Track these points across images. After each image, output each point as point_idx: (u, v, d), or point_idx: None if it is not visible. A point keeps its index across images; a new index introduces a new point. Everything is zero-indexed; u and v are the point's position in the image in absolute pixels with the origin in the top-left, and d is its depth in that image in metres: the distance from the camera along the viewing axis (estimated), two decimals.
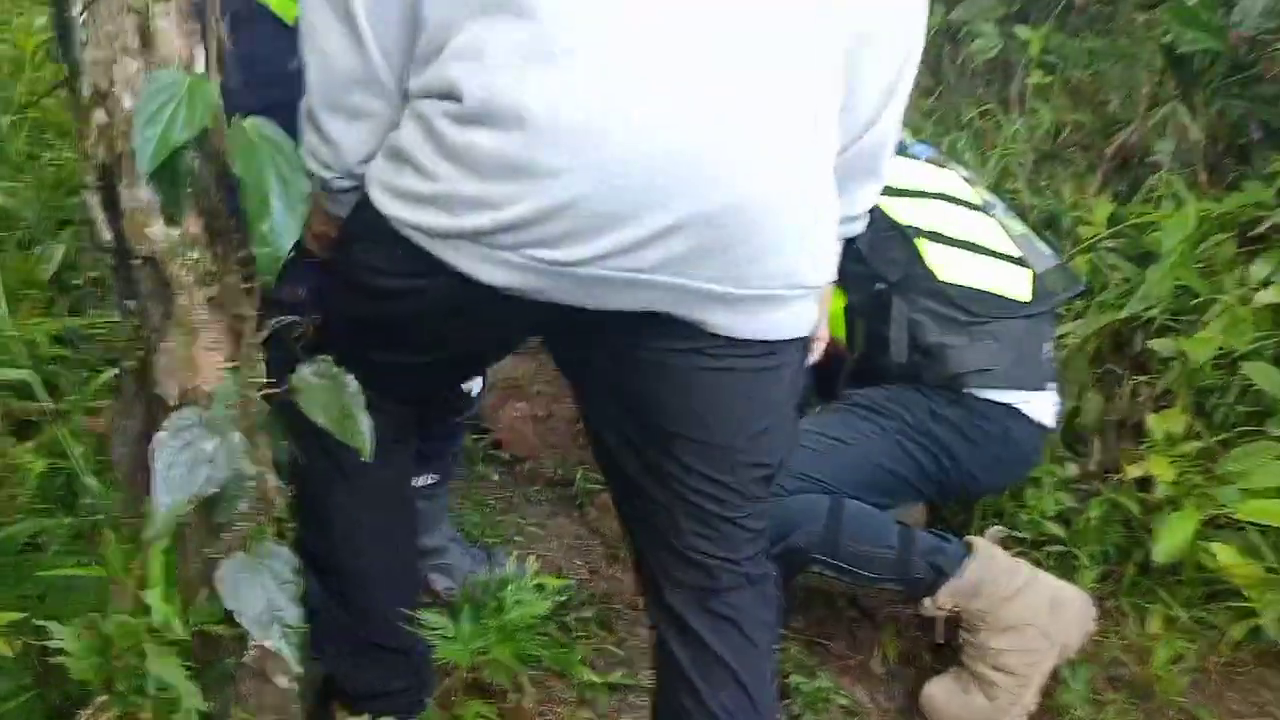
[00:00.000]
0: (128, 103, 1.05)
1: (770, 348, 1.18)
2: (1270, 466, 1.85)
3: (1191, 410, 2.12)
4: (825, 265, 1.20)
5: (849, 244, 1.81)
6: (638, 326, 1.13)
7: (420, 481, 1.86)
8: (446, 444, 1.92)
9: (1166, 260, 2.30)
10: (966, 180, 2.01)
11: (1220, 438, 2.04)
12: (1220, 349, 2.11)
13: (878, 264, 1.87)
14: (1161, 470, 1.98)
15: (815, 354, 1.43)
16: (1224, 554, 1.82)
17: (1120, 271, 2.44)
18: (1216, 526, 1.90)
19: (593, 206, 1.03)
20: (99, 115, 1.07)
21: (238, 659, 1.17)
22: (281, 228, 1.07)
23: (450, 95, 1.05)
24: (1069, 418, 2.21)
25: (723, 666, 1.24)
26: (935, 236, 1.87)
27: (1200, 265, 2.33)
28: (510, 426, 2.38)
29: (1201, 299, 2.25)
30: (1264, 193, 2.36)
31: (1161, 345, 2.20)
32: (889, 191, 1.88)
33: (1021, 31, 2.97)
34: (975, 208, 1.94)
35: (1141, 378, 2.24)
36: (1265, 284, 2.16)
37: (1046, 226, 2.63)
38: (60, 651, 1.11)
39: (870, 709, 1.78)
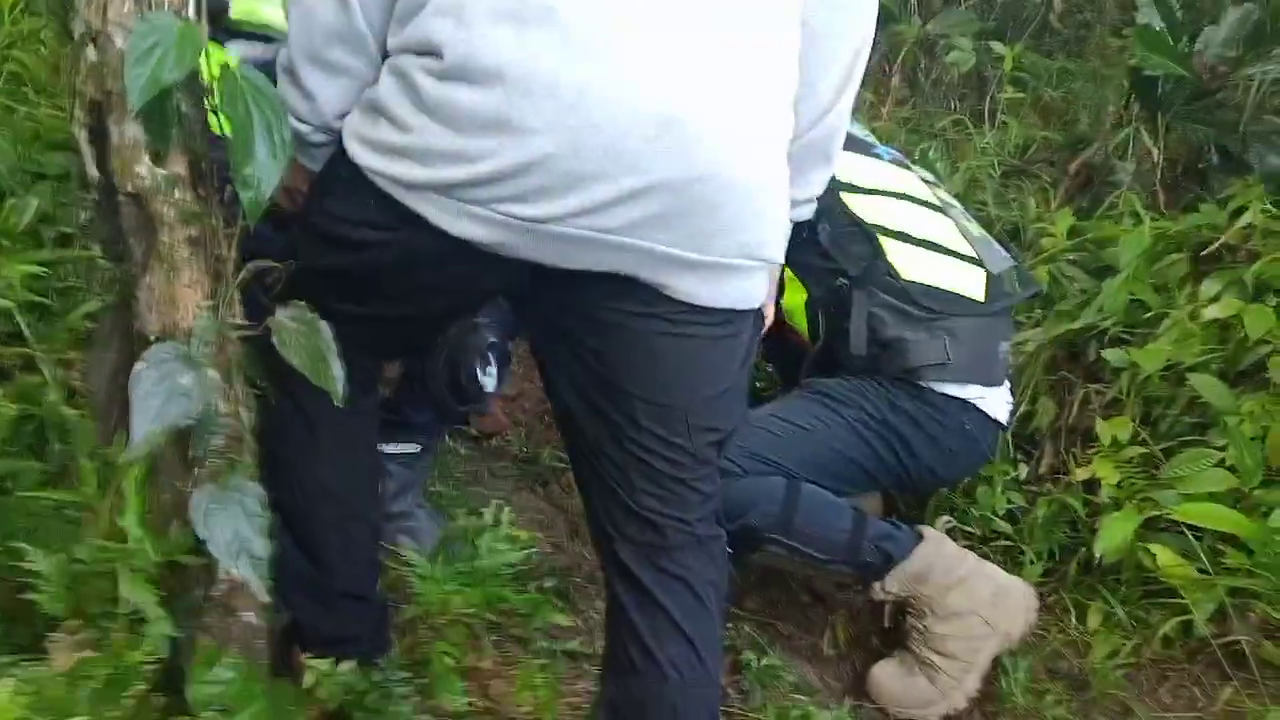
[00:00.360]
0: (119, 41, 1.08)
1: (727, 316, 1.23)
2: (1209, 473, 1.92)
3: (1139, 418, 2.19)
4: (780, 241, 1.25)
5: (812, 239, 1.90)
6: (602, 290, 1.17)
7: (403, 449, 1.90)
8: (439, 422, 1.95)
9: (1122, 274, 2.38)
10: (927, 182, 2.07)
11: (1164, 445, 2.11)
12: (1169, 361, 2.18)
13: (840, 259, 1.92)
14: (1107, 473, 2.04)
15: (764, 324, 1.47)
16: (1162, 555, 1.89)
17: (1078, 283, 2.51)
18: (1157, 529, 1.97)
19: (564, 165, 1.07)
20: (90, 52, 1.09)
21: (206, 591, 1.19)
22: (266, 172, 1.09)
23: (430, 51, 1.08)
24: (1022, 421, 2.28)
25: (670, 621, 1.28)
26: (897, 235, 1.92)
27: (1154, 281, 2.41)
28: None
29: (1153, 313, 2.33)
30: (1218, 215, 2.44)
31: (1114, 355, 2.27)
32: (853, 189, 1.94)
33: (997, 47, 3.05)
34: (935, 208, 1.99)
35: (1093, 386, 2.31)
36: (1214, 300, 2.24)
37: (1011, 238, 2.71)
38: (31, 582, 1.13)
39: (819, 688, 1.82)
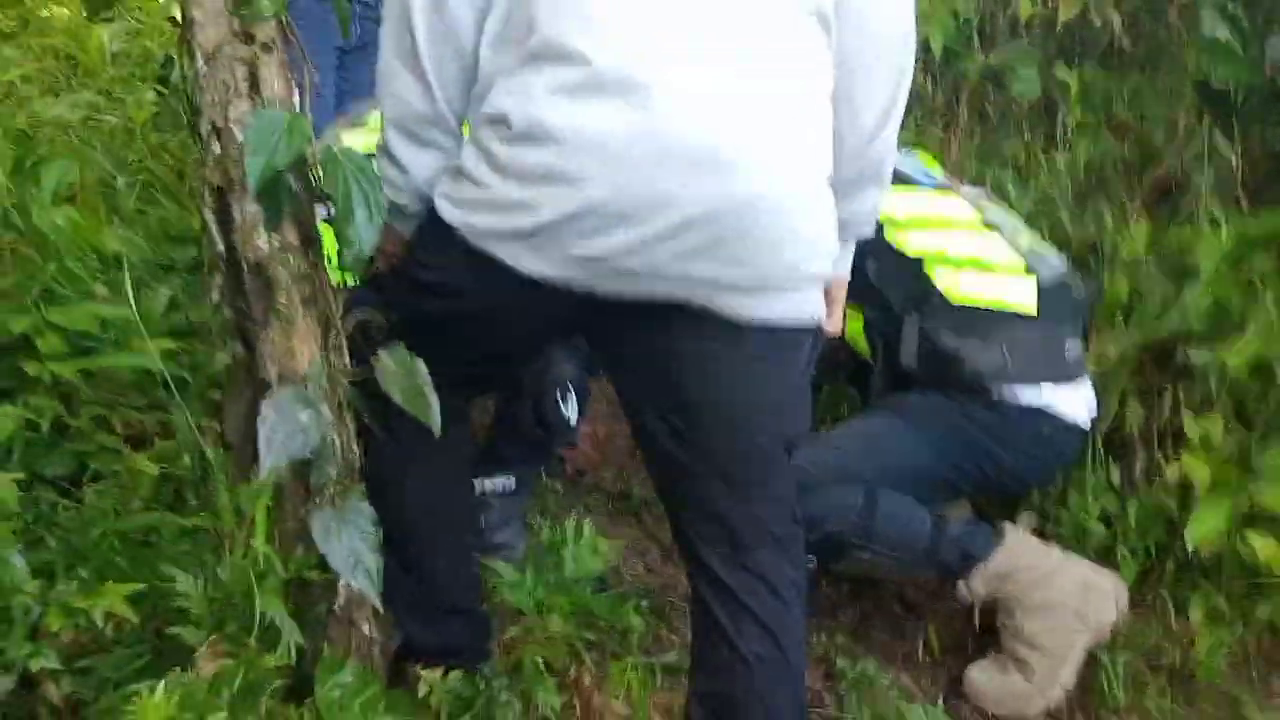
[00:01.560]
0: (239, 135, 1.29)
1: (783, 333, 1.35)
2: None
3: (1230, 415, 2.19)
4: (823, 259, 1.37)
5: (862, 274, 2.00)
6: (665, 318, 1.32)
7: (501, 483, 2.07)
8: (532, 457, 2.12)
9: (1205, 276, 2.40)
10: (973, 202, 2.14)
11: (1258, 437, 2.10)
12: (1257, 357, 2.18)
13: (888, 292, 2.03)
14: (1198, 469, 2.05)
15: (832, 329, 1.58)
16: (1262, 546, 1.88)
17: (1160, 291, 2.53)
18: (1255, 524, 1.96)
19: (614, 208, 1.23)
20: (215, 147, 1.31)
21: (329, 606, 1.36)
22: (364, 232, 1.28)
23: (502, 122, 1.27)
24: (1112, 427, 2.30)
25: (752, 617, 1.39)
26: (942, 260, 2.01)
27: (1238, 282, 2.41)
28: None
29: (1239, 314, 2.32)
30: None
31: (1200, 356, 2.28)
32: (896, 225, 2.05)
33: (1061, 72, 3.11)
34: (980, 227, 2.07)
35: (1182, 385, 2.31)
36: None
37: (1091, 253, 2.74)
38: (180, 605, 1.32)
39: (915, 692, 1.87)
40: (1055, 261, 2.08)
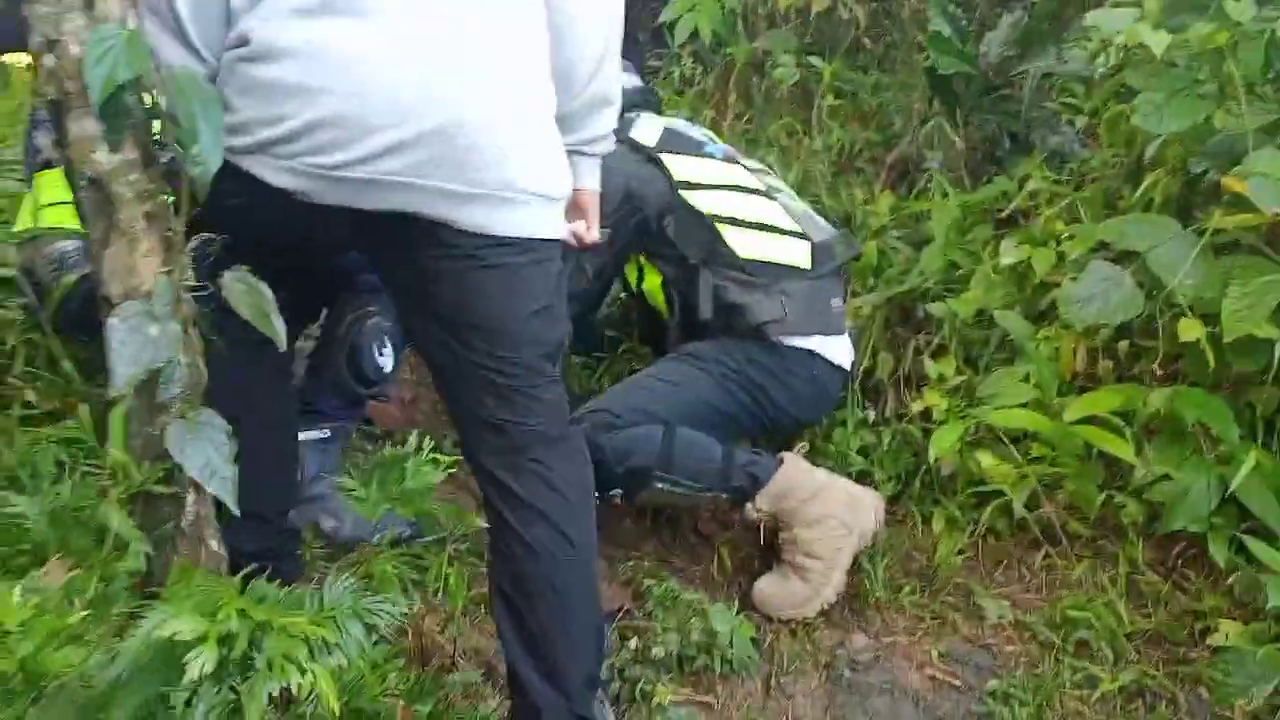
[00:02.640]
0: (75, 50, 1.28)
1: (523, 245, 1.49)
2: (1015, 387, 2.27)
3: (961, 358, 2.56)
4: (552, 176, 1.52)
5: (660, 231, 2.20)
6: (409, 234, 1.44)
7: (315, 434, 2.09)
8: (347, 410, 2.16)
9: (937, 241, 2.77)
10: (754, 171, 2.40)
11: (983, 378, 2.47)
12: (980, 307, 2.55)
13: (685, 247, 2.24)
14: (937, 402, 2.38)
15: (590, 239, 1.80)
16: (985, 460, 2.23)
17: (901, 254, 2.89)
18: (981, 445, 2.31)
19: (349, 120, 1.36)
20: (49, 60, 1.29)
21: (176, 523, 1.37)
22: (209, 150, 1.30)
23: (244, 44, 1.37)
24: (866, 375, 2.62)
25: (532, 509, 1.53)
26: (731, 221, 2.26)
27: (964, 246, 2.80)
28: (380, 406, 2.60)
29: (964, 271, 2.71)
30: (1010, 186, 2.86)
31: (936, 308, 2.64)
32: (690, 186, 2.26)
33: (816, 62, 3.44)
34: (762, 194, 2.33)
35: (921, 336, 2.67)
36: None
37: (844, 222, 3.07)
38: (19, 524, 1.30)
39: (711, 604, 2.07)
40: (825, 226, 2.35)
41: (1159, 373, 2.15)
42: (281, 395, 1.73)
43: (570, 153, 1.61)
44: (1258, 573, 1.84)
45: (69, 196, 1.34)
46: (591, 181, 1.76)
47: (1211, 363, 1.98)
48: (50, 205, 1.98)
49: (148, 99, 1.33)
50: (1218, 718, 1.78)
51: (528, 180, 1.47)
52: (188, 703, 1.10)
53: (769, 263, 2.22)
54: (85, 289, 1.37)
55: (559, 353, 1.59)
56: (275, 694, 1.09)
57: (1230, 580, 1.95)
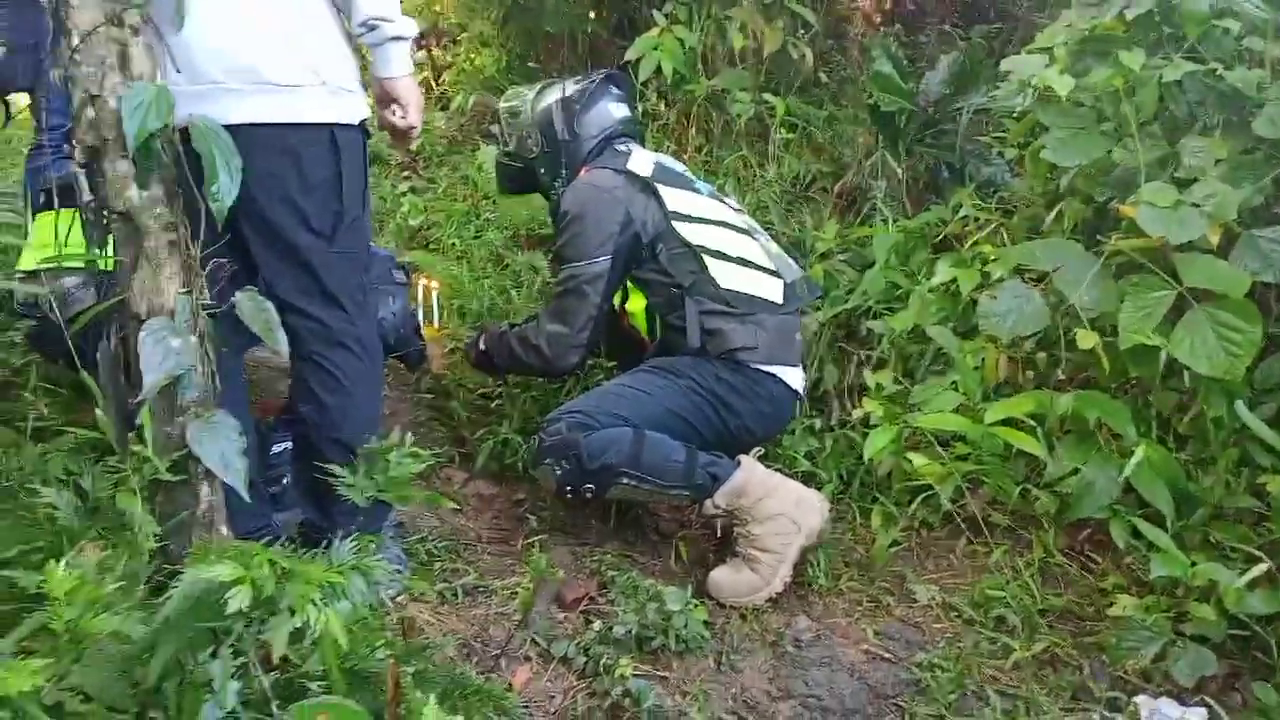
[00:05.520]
0: (112, 103, 1.50)
1: (271, 131, 1.78)
2: (944, 395, 2.51)
3: (899, 369, 2.80)
4: (304, 66, 1.81)
5: (652, 257, 2.44)
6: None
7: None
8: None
9: (878, 264, 3.03)
10: (736, 210, 2.64)
11: (916, 383, 2.71)
12: (915, 323, 2.80)
13: (675, 274, 2.47)
14: (875, 408, 2.62)
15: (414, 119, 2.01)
16: (916, 459, 2.46)
17: (846, 276, 3.14)
18: (914, 448, 2.54)
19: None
20: (89, 112, 1.51)
21: (192, 512, 1.57)
22: (226, 188, 1.53)
23: None
24: (814, 387, 2.86)
25: (326, 372, 1.96)
26: (717, 254, 2.49)
27: (904, 269, 3.06)
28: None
29: (903, 290, 2.96)
30: (945, 213, 3.12)
31: (876, 325, 2.89)
32: (681, 218, 2.50)
33: (770, 98, 3.70)
34: (744, 232, 2.57)
35: (863, 351, 2.91)
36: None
37: (795, 248, 3.32)
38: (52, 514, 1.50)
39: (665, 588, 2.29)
40: (795, 268, 2.60)
41: (1068, 379, 2.39)
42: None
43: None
44: (1148, 550, 2.08)
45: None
46: (397, 70, 1.93)
47: (1107, 369, 2.22)
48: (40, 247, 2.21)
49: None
50: (1114, 678, 2.01)
51: (273, 70, 1.79)
52: (213, 654, 1.29)
53: (747, 295, 2.46)
54: (94, 329, 1.59)
55: (357, 225, 1.97)
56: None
57: (1129, 559, 2.19)
